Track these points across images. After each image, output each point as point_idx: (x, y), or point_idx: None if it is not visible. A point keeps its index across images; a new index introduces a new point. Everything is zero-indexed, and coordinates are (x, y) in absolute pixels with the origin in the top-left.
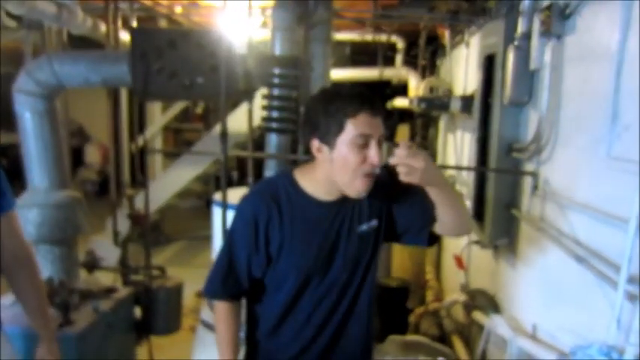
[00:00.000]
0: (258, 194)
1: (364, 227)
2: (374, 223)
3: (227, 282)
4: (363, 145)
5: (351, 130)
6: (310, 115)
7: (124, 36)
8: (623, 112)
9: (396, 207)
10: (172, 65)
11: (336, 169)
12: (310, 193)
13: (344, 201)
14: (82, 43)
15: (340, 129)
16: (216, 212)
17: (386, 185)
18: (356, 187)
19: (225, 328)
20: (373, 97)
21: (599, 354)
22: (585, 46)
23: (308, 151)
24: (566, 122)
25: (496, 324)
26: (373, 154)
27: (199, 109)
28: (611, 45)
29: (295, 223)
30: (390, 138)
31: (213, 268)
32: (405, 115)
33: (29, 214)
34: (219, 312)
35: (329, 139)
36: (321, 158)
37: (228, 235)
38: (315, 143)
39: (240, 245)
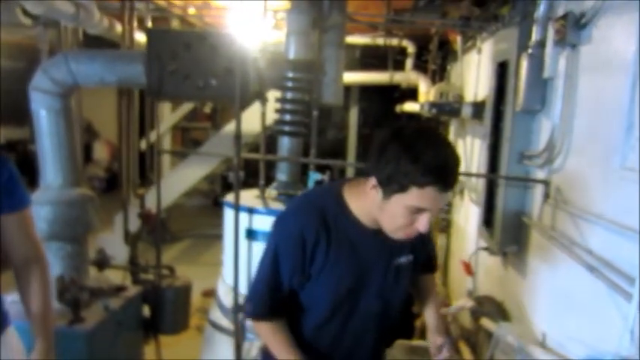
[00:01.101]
0: (307, 214)
1: (402, 260)
2: (411, 257)
3: (272, 302)
4: (417, 212)
5: (412, 198)
6: (380, 155)
7: (139, 36)
8: (637, 123)
9: (420, 251)
10: (187, 67)
11: (381, 217)
12: (357, 216)
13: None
14: (95, 42)
15: (402, 190)
16: (228, 214)
17: None
18: (396, 237)
19: (280, 344)
20: (452, 169)
21: None
22: (601, 57)
23: (320, 150)
24: (580, 131)
25: (505, 331)
26: (423, 224)
27: (207, 109)
28: (628, 56)
29: (340, 247)
30: None
31: (255, 288)
32: (412, 118)
33: (42, 211)
34: (267, 333)
35: (386, 191)
36: (372, 195)
37: (272, 251)
38: (373, 182)
39: (284, 263)
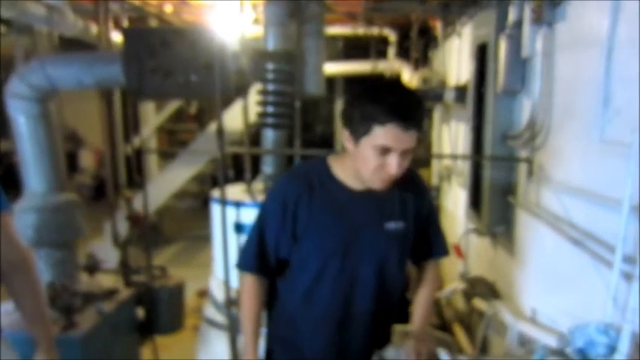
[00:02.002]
0: (291, 176)
1: (392, 225)
2: (401, 224)
3: (258, 257)
4: (385, 152)
5: (377, 137)
6: (348, 106)
7: (116, 37)
8: (614, 96)
9: (413, 221)
10: (166, 64)
11: (357, 164)
12: (342, 179)
13: (375, 194)
14: (72, 46)
15: (367, 131)
16: (215, 209)
17: (416, 192)
18: (375, 184)
19: (251, 303)
20: (412, 109)
21: (597, 333)
22: (576, 33)
23: (306, 143)
24: (559, 108)
25: (496, 310)
26: (391, 165)
27: (193, 109)
28: (602, 31)
29: (324, 205)
30: None
31: (246, 244)
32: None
33: (28, 219)
34: (246, 285)
35: (356, 136)
36: (348, 148)
37: (260, 213)
38: (346, 133)
39: (270, 223)
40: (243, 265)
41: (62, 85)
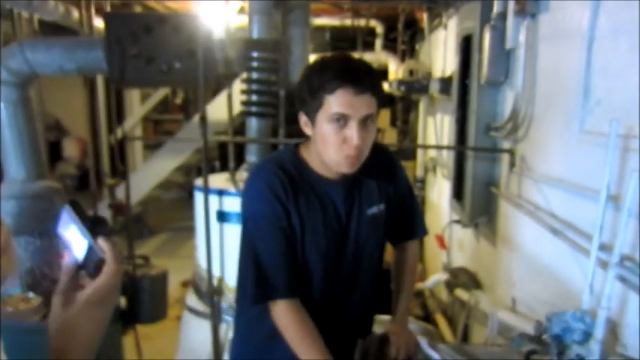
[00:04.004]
0: (266, 169)
1: (374, 210)
2: (382, 206)
3: (289, 272)
4: (343, 124)
5: (329, 107)
6: (298, 88)
7: (98, 22)
8: (594, 87)
9: (394, 201)
10: (149, 50)
11: (319, 147)
12: (316, 169)
13: (353, 181)
14: (53, 30)
15: (319, 105)
16: (198, 197)
17: (390, 171)
18: (341, 166)
19: (303, 329)
20: (360, 72)
21: (573, 319)
22: (558, 25)
23: (290, 134)
24: (541, 100)
25: (477, 300)
26: (351, 135)
27: (179, 100)
28: (583, 22)
29: (309, 199)
30: None
31: (253, 271)
32: (385, 100)
33: (7, 206)
34: (283, 315)
35: (311, 115)
36: (309, 133)
37: (250, 225)
38: (303, 118)
39: (273, 224)
40: (264, 296)
41: (42, 70)
